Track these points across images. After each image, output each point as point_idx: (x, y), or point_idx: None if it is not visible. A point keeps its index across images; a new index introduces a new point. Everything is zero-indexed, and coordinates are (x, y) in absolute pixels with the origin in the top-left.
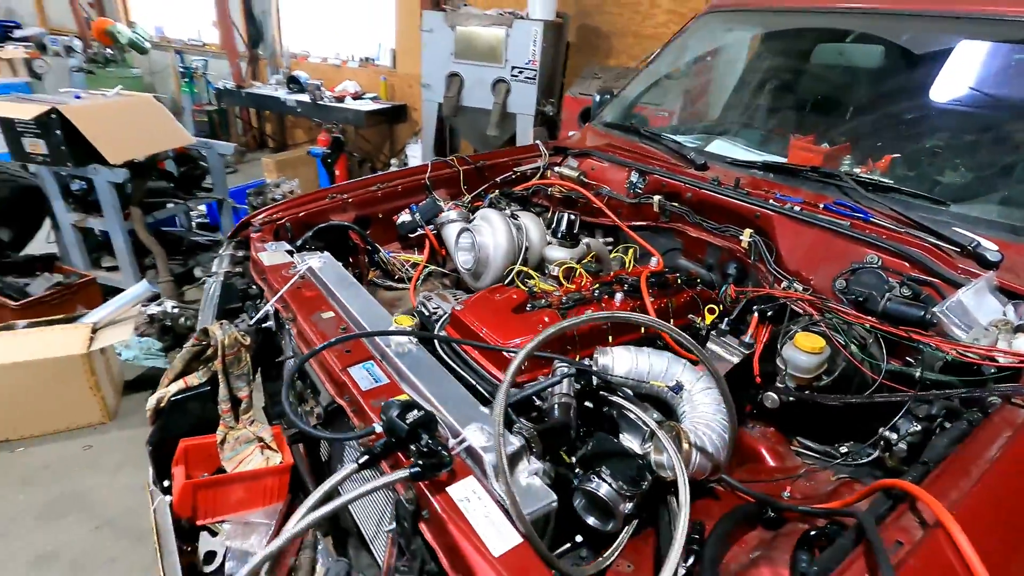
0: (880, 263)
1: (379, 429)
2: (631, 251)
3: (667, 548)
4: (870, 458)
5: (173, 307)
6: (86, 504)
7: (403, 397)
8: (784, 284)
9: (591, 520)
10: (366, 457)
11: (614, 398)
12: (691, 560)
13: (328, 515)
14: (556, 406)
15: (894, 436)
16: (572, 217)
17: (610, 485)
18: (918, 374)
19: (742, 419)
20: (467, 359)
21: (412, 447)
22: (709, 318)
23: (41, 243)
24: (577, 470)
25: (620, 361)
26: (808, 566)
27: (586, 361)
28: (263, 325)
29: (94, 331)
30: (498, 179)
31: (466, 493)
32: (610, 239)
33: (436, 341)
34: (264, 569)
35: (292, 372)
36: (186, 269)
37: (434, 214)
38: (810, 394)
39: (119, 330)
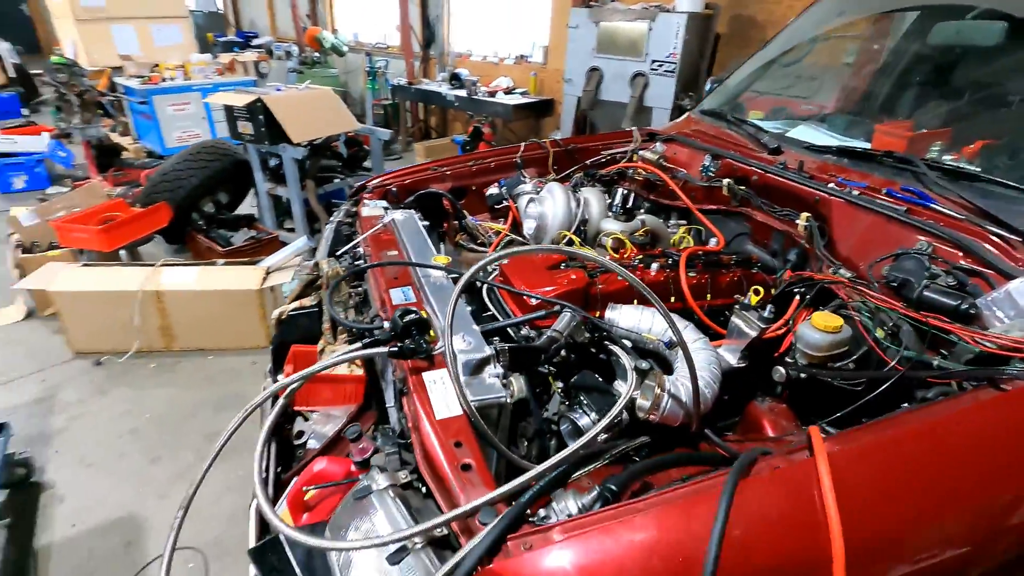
0: (931, 250)
1: (387, 325)
2: (682, 229)
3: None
4: None
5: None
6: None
7: (416, 310)
8: (832, 269)
9: (571, 444)
10: (368, 340)
11: (611, 346)
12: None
13: (322, 369)
14: (542, 336)
15: None
16: (626, 192)
17: (589, 417)
18: (936, 363)
19: (755, 391)
20: (501, 301)
21: (406, 340)
22: (754, 299)
23: (247, 206)
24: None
25: (626, 317)
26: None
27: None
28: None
29: (267, 273)
30: (588, 162)
31: (435, 378)
32: (683, 221)
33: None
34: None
35: (344, 276)
36: None
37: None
38: (812, 369)
39: (284, 274)
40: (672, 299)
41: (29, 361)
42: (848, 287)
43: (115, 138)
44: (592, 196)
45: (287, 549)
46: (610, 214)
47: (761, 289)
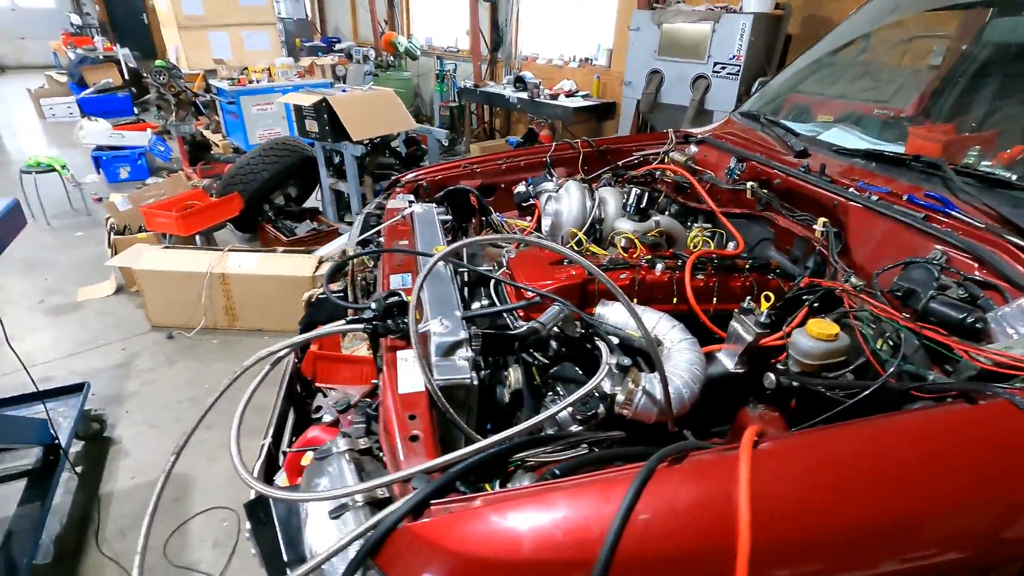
0: (944, 259)
1: (374, 306)
2: (696, 230)
3: None
4: None
5: None
6: None
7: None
8: (844, 277)
9: (550, 432)
10: (352, 318)
11: (598, 340)
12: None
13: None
14: (523, 327)
15: None
16: (639, 192)
17: (567, 410)
18: (932, 377)
19: (747, 397)
20: (503, 293)
21: (388, 321)
22: (765, 305)
23: (314, 200)
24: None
25: (615, 313)
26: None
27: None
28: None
29: (320, 262)
30: (620, 163)
31: (407, 356)
32: (708, 224)
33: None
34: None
35: (346, 261)
36: None
37: None
38: (803, 377)
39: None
40: (675, 300)
41: (115, 331)
42: (852, 295)
43: (207, 135)
44: (610, 195)
45: (271, 504)
46: (625, 214)
47: (772, 295)
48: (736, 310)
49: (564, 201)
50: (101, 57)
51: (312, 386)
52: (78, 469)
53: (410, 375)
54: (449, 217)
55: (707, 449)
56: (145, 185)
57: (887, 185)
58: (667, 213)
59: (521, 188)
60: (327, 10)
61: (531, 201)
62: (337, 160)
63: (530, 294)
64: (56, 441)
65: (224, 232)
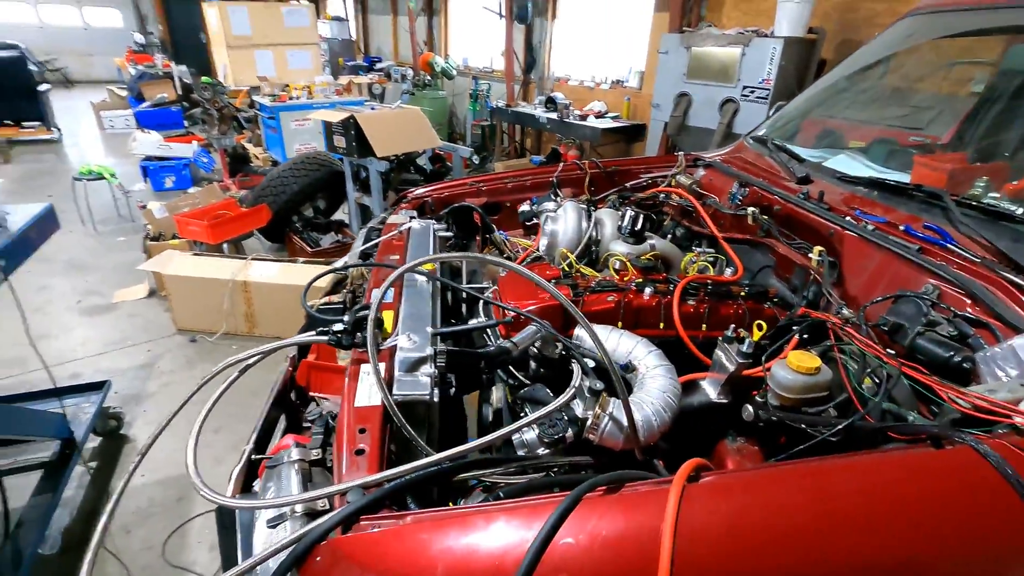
0: (936, 294)
1: (346, 319)
2: (690, 255)
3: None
4: None
5: None
6: None
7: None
8: (835, 308)
9: (521, 454)
10: (321, 329)
11: (574, 364)
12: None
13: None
14: (493, 345)
15: None
16: (633, 215)
17: (534, 432)
18: (911, 418)
19: (726, 430)
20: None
21: (358, 333)
22: (756, 334)
23: (341, 213)
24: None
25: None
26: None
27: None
28: None
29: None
30: (628, 184)
31: (370, 370)
32: (710, 248)
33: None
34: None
35: (318, 277)
36: None
37: None
38: (781, 411)
39: None
40: (662, 325)
41: (143, 332)
42: (838, 327)
43: (249, 147)
44: (607, 217)
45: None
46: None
47: (764, 324)
48: (720, 338)
49: (560, 222)
50: (160, 73)
51: (307, 395)
52: (93, 464)
53: (368, 389)
54: (450, 234)
55: (645, 480)
56: (186, 194)
57: (886, 215)
58: (670, 237)
59: (525, 207)
60: (370, 31)
61: (535, 220)
62: (363, 175)
63: (511, 313)
64: (72, 436)
65: (252, 241)
